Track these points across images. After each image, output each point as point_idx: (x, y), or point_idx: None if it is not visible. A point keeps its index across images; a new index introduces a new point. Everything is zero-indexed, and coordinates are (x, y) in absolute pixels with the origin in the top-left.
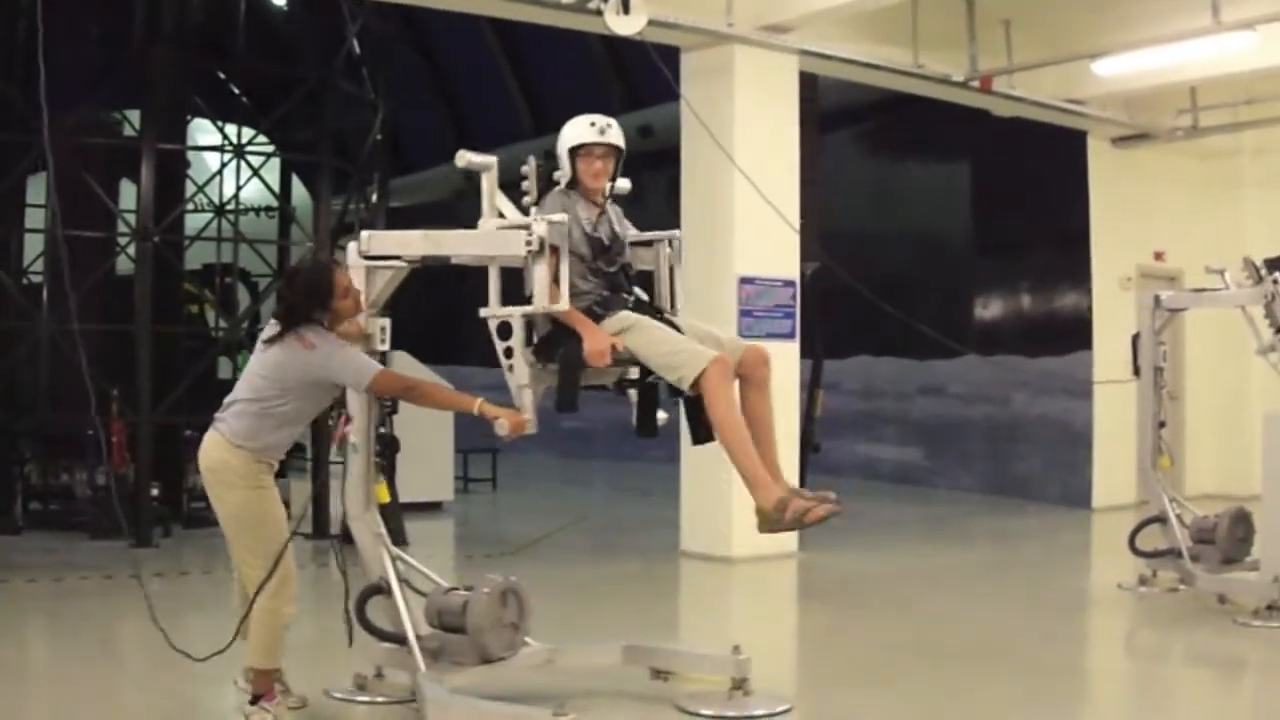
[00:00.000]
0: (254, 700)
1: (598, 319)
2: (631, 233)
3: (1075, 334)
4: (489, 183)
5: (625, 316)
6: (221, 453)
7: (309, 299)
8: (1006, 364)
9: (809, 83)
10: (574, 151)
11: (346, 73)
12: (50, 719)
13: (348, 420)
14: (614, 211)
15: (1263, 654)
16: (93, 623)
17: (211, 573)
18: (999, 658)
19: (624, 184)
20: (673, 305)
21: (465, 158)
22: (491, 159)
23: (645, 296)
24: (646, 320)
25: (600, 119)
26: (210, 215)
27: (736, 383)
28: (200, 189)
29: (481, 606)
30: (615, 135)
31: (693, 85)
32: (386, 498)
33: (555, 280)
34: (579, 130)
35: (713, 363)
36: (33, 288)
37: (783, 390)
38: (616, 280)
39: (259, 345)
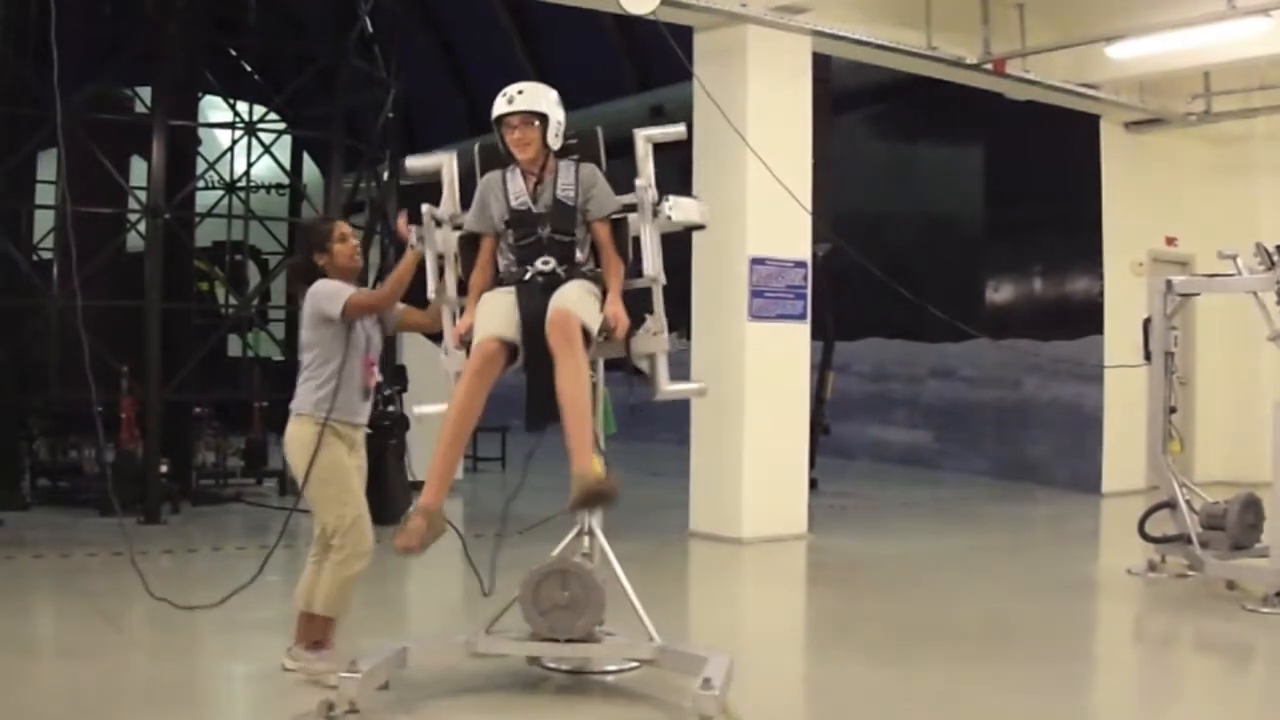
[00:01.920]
0: (311, 646)
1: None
2: (607, 199)
3: (1087, 318)
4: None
5: (485, 298)
6: (289, 426)
7: (304, 246)
8: (1017, 348)
9: (822, 64)
10: (496, 126)
11: (358, 50)
12: (57, 693)
13: (371, 363)
14: (572, 176)
15: (1271, 640)
16: (99, 598)
17: (220, 549)
18: (1007, 641)
19: (676, 130)
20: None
21: (411, 164)
22: (439, 160)
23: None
24: (489, 296)
25: (513, 88)
26: (221, 192)
27: None
28: (211, 166)
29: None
30: (527, 101)
31: (706, 66)
32: None
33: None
34: (496, 105)
35: (474, 348)
36: (43, 264)
37: (793, 372)
38: (528, 252)
39: None
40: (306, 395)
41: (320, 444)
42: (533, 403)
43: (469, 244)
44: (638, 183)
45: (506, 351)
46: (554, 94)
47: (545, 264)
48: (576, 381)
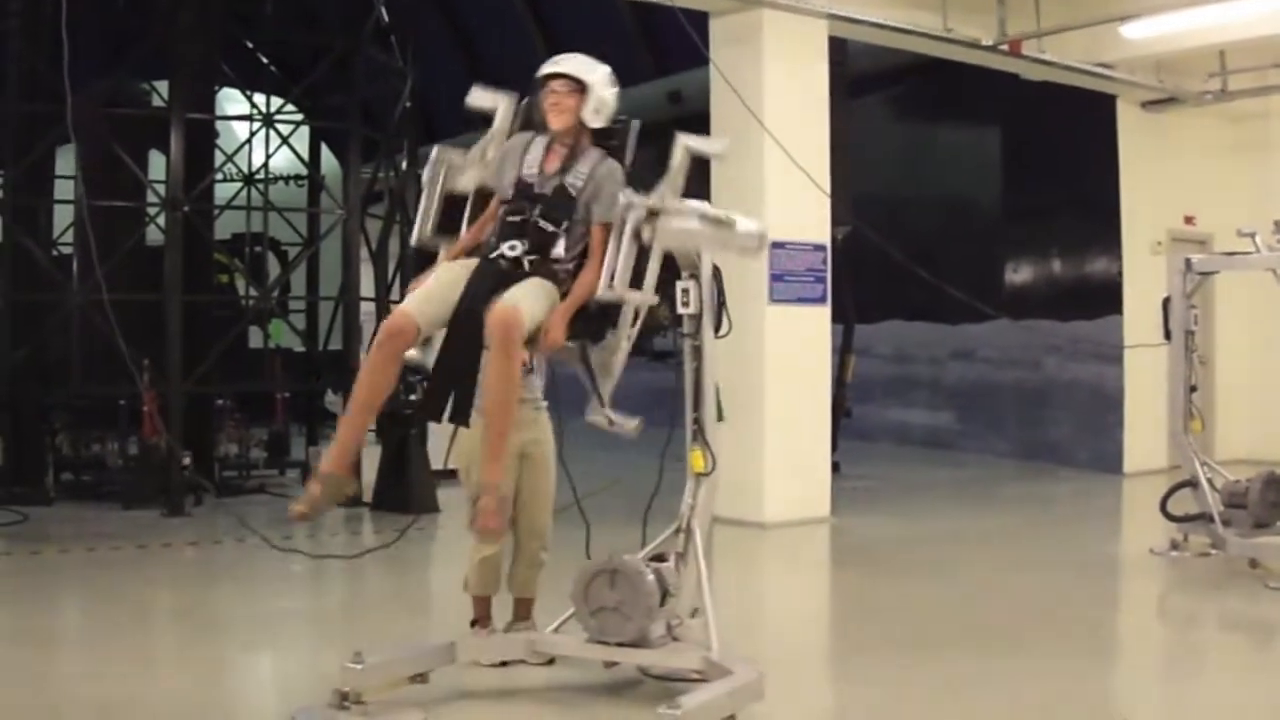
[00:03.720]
0: (472, 624)
1: None
2: (612, 205)
3: (1106, 298)
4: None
5: (442, 266)
6: None
7: None
8: (1038, 328)
9: (839, 47)
10: (539, 88)
11: (375, 41)
12: (84, 688)
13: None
14: (589, 166)
15: None
16: (125, 592)
17: (244, 540)
18: (1031, 622)
19: (718, 146)
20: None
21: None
22: (497, 100)
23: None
24: (446, 265)
25: (565, 54)
26: (240, 184)
27: None
28: (229, 158)
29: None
30: (573, 66)
31: (722, 50)
32: None
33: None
34: (543, 66)
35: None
36: (63, 259)
37: (813, 356)
38: (510, 229)
39: None
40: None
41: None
42: (436, 390)
43: (481, 199)
44: (621, 196)
45: (417, 332)
46: (607, 70)
47: (512, 249)
48: (507, 385)
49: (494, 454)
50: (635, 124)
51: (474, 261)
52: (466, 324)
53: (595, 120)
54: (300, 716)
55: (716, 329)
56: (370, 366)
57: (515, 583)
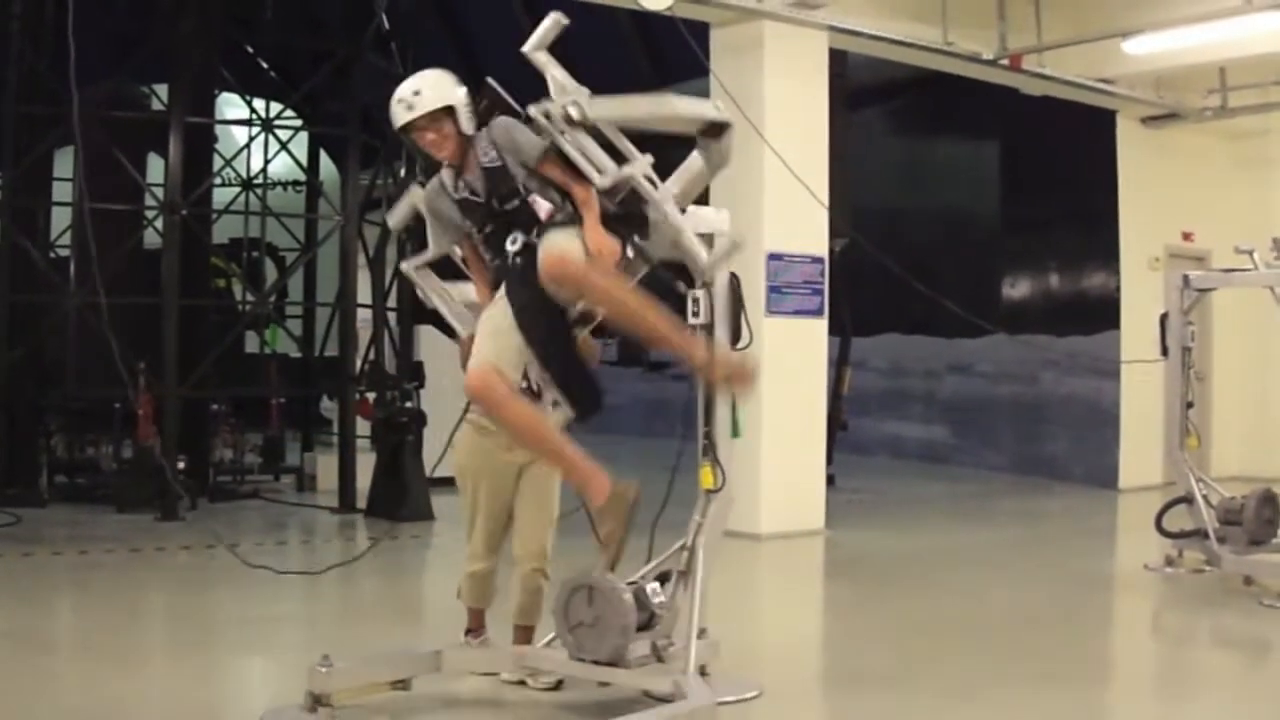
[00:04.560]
0: (466, 632)
1: None
2: (529, 141)
3: (1103, 313)
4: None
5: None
6: None
7: None
8: (1034, 343)
9: (838, 59)
10: (404, 136)
11: (375, 46)
12: (77, 690)
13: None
14: (486, 141)
15: None
16: (118, 595)
17: (238, 546)
18: (1024, 637)
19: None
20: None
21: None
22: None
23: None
24: (484, 318)
25: (407, 89)
26: (238, 189)
27: None
28: (228, 163)
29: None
30: (428, 100)
31: (722, 61)
32: None
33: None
34: (394, 114)
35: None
36: (60, 261)
37: (810, 368)
38: (495, 238)
39: None
40: None
41: (458, 444)
42: (571, 390)
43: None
44: (529, 130)
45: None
46: (449, 76)
47: (514, 243)
48: (618, 296)
49: (683, 336)
50: (489, 79)
51: (500, 299)
52: (539, 322)
53: (471, 127)
54: (269, 718)
55: (735, 340)
56: (525, 408)
57: (515, 609)
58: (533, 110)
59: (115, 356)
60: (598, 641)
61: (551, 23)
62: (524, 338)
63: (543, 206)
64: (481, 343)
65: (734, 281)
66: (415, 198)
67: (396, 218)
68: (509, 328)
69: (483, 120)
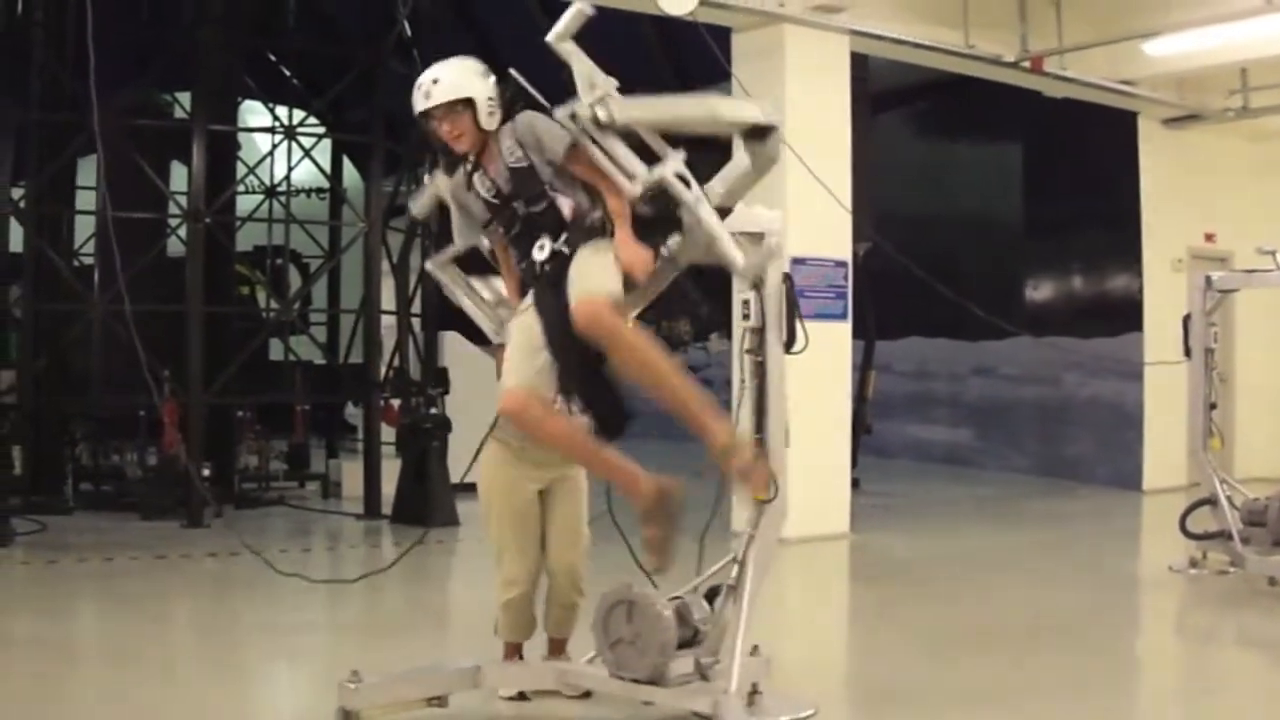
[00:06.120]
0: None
1: None
2: (556, 135)
3: (1126, 315)
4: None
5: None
6: None
7: None
8: (1058, 345)
9: (860, 63)
10: (422, 123)
11: (397, 53)
12: (103, 699)
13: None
14: (511, 138)
15: None
16: (144, 602)
17: (262, 554)
18: (1049, 639)
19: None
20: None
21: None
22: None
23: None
24: (512, 328)
25: (427, 77)
26: (261, 197)
27: None
28: (251, 170)
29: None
30: (446, 90)
31: (744, 66)
32: None
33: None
34: (414, 100)
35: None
36: (84, 269)
37: (834, 371)
38: (522, 241)
39: None
40: None
41: (487, 463)
42: (600, 409)
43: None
44: (556, 124)
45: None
46: (476, 65)
47: (541, 250)
48: (647, 359)
49: (701, 409)
50: (512, 71)
51: (527, 307)
52: (569, 343)
53: (492, 122)
54: None
55: (789, 344)
56: (557, 428)
57: (548, 621)
58: (559, 113)
59: (142, 364)
60: (638, 659)
61: (575, 11)
62: (553, 356)
63: (566, 204)
64: (515, 359)
65: (788, 283)
66: (439, 186)
67: (420, 206)
68: (541, 346)
69: (506, 115)
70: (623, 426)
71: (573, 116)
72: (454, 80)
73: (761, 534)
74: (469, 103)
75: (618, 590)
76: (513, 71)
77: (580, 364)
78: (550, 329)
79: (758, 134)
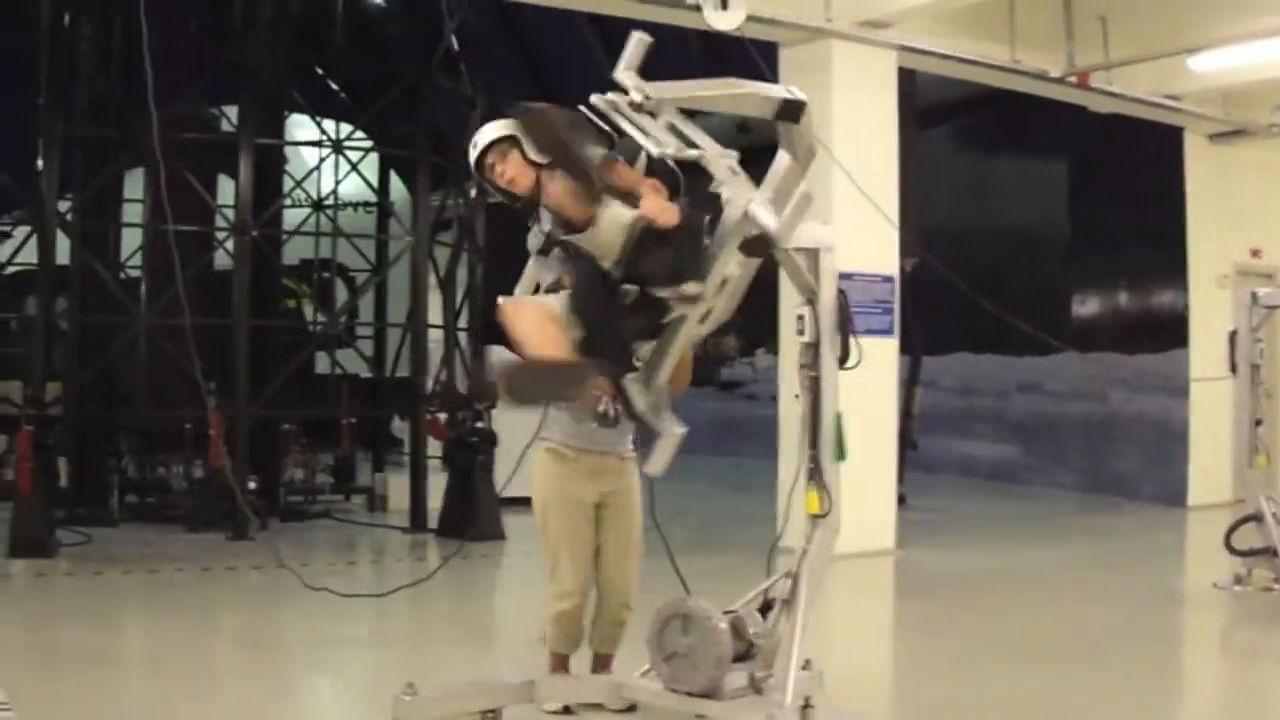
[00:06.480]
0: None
1: None
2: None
3: (1172, 331)
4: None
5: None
6: None
7: None
8: (1103, 361)
9: (907, 78)
10: (482, 182)
11: (444, 68)
12: (149, 711)
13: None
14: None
15: None
16: (190, 614)
17: (309, 565)
18: (1094, 655)
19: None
20: None
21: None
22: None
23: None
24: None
25: (474, 136)
26: (308, 210)
27: None
28: (298, 184)
29: None
30: (488, 133)
31: (791, 81)
32: None
33: None
34: (471, 160)
35: None
36: (130, 282)
37: (881, 387)
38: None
39: None
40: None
41: (543, 476)
42: (598, 342)
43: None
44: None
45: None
46: (504, 119)
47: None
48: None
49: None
50: (522, 105)
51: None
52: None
53: (540, 155)
54: None
55: (844, 359)
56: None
57: (595, 637)
58: (595, 98)
59: (197, 376)
60: (692, 672)
61: (636, 42)
62: (574, 303)
63: (545, 219)
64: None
65: (842, 299)
66: (533, 270)
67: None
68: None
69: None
70: (628, 363)
71: (611, 102)
72: (496, 125)
73: (816, 548)
74: (513, 140)
75: (673, 603)
76: (523, 105)
77: (600, 307)
78: (581, 282)
79: (790, 113)
